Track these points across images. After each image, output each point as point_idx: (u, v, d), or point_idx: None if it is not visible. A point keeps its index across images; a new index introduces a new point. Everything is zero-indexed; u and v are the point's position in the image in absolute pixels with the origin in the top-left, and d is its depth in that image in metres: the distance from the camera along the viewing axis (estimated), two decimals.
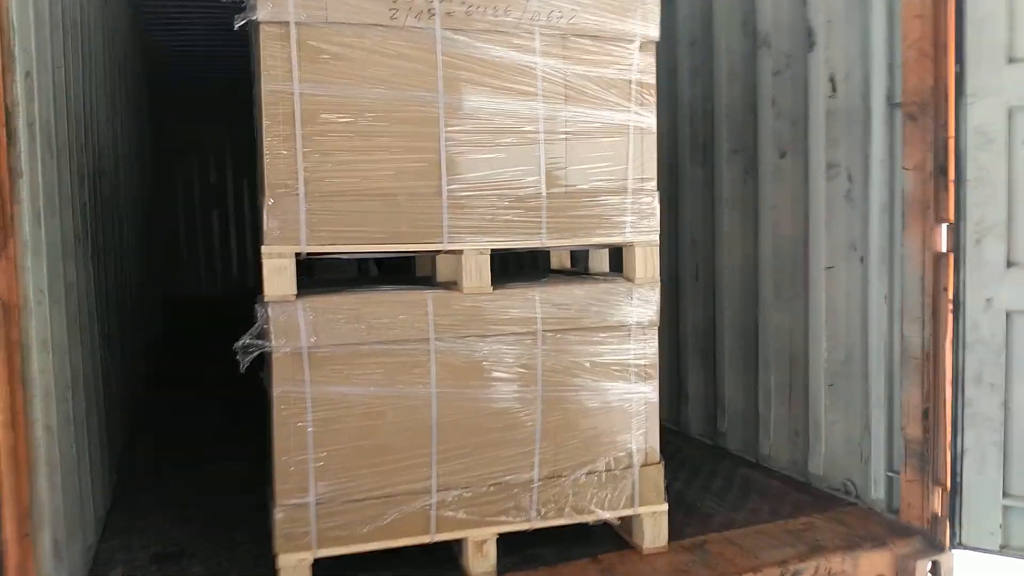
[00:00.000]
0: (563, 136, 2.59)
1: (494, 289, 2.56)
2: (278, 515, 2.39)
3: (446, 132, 2.47)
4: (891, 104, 2.99)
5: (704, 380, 4.21)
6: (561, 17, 2.54)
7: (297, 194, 2.35)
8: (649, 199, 2.69)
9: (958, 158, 2.72)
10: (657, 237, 2.72)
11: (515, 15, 2.49)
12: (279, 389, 2.40)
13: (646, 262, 2.72)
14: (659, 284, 2.73)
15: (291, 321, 2.37)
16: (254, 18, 2.30)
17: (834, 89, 3.23)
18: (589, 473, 2.67)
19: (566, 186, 2.61)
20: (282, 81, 2.33)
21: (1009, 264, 2.72)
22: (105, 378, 3.49)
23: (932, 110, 2.77)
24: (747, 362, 3.85)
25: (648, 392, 2.75)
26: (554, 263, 3.37)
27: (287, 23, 2.32)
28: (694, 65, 4.14)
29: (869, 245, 3.12)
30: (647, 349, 2.73)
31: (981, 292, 2.76)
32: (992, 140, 2.66)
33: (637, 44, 2.64)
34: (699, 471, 3.65)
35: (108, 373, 4.03)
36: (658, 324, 2.75)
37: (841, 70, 3.20)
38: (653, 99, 2.68)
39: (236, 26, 2.34)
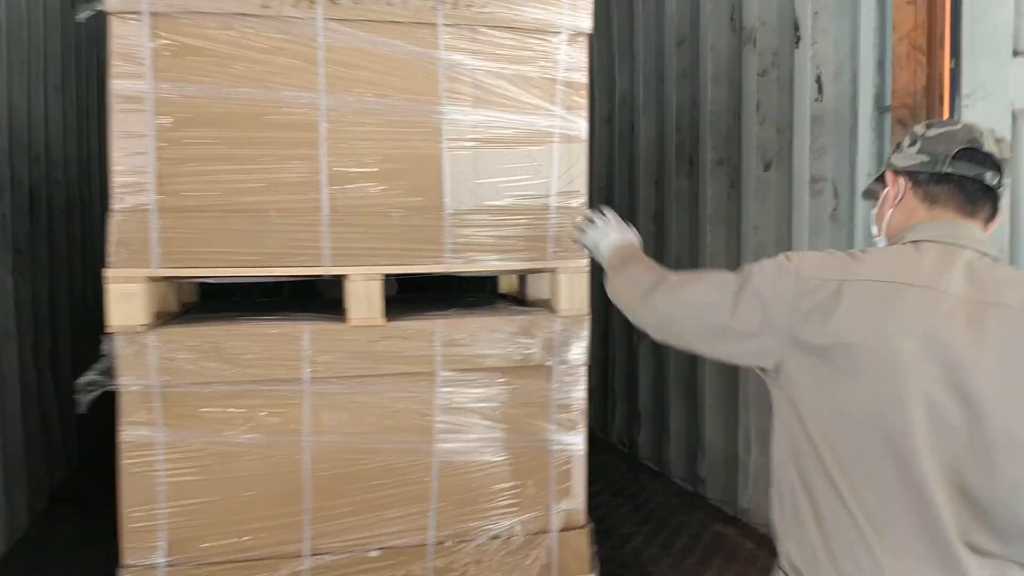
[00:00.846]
0: (472, 144, 2.21)
1: (388, 321, 2.19)
2: None
3: (328, 139, 2.12)
4: (880, 108, 2.54)
5: (686, 418, 3.78)
6: (470, 5, 2.16)
7: (148, 209, 2.03)
8: (582, 220, 2.30)
9: None
10: (587, 262, 2.32)
11: (414, 3, 2.13)
12: (126, 433, 2.07)
13: (573, 291, 2.32)
14: (588, 317, 2.33)
15: (140, 356, 2.04)
16: (102, 8, 1.99)
17: (820, 91, 2.78)
18: (496, 538, 2.28)
19: (475, 202, 2.23)
20: (133, 79, 2.02)
21: None
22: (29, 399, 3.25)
23: (924, 113, 2.32)
24: (729, 401, 3.41)
25: (572, 443, 2.34)
26: (504, 286, 3.00)
27: (139, 12, 2.00)
28: (681, 67, 3.72)
29: None
30: (573, 393, 2.33)
31: None
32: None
33: (564, 37, 2.24)
34: (667, 524, 3.23)
35: (39, 394, 3.78)
36: (586, 363, 2.35)
37: (829, 69, 2.76)
38: (584, 101, 2.28)
39: (81, 17, 2.04)
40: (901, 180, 1.47)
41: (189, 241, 2.06)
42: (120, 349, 2.03)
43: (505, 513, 2.29)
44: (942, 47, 2.27)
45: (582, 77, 2.28)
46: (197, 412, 2.10)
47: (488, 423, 2.27)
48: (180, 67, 2.04)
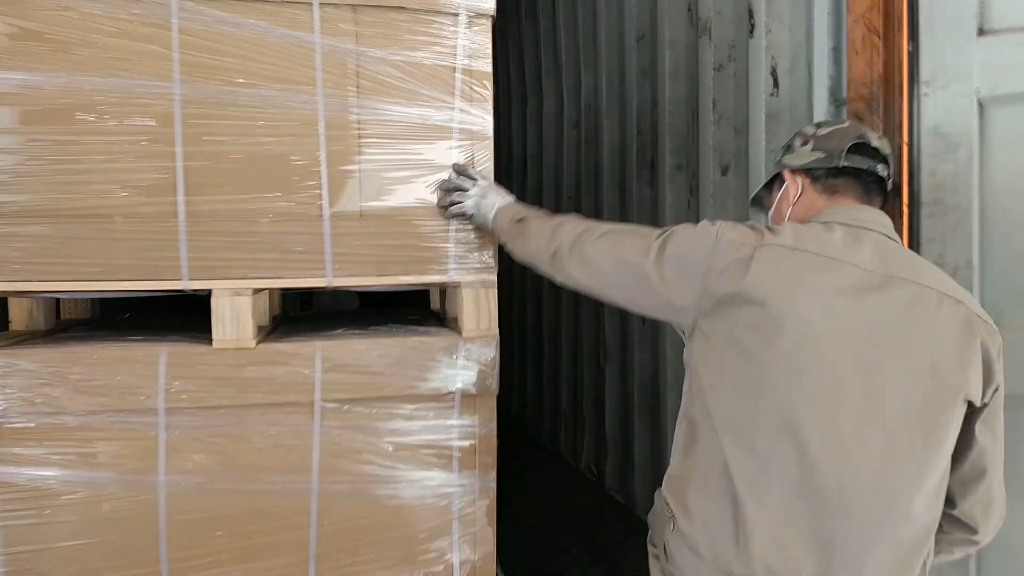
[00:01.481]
0: (355, 140, 1.94)
1: (260, 343, 1.92)
2: None
3: (184, 134, 1.85)
4: (836, 101, 2.24)
5: (651, 446, 3.46)
6: None
7: None
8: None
9: (911, 173, 1.94)
10: (494, 276, 2.03)
11: None
12: None
13: (478, 309, 2.03)
14: (497, 339, 2.04)
15: None
16: None
17: (776, 85, 2.48)
18: None
19: (361, 206, 1.95)
20: None
21: None
22: None
23: (880, 107, 2.01)
24: None
25: (478, 484, 2.04)
26: (436, 303, 2.72)
27: None
28: (641, 66, 3.43)
29: None
30: (479, 427, 2.04)
31: None
32: (956, 147, 1.88)
33: (463, 19, 1.97)
34: (619, 568, 2.90)
35: None
36: (496, 391, 2.06)
37: (785, 59, 2.46)
38: (488, 92, 2.00)
39: None
40: (799, 178, 1.56)
41: (23, 251, 1.80)
42: None
43: (398, 565, 1.99)
44: (900, 28, 1.97)
45: (485, 65, 2.00)
46: (39, 447, 1.82)
47: (378, 460, 1.97)
48: (20, 54, 1.79)
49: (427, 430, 2.00)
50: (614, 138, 3.71)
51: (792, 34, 2.42)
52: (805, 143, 1.57)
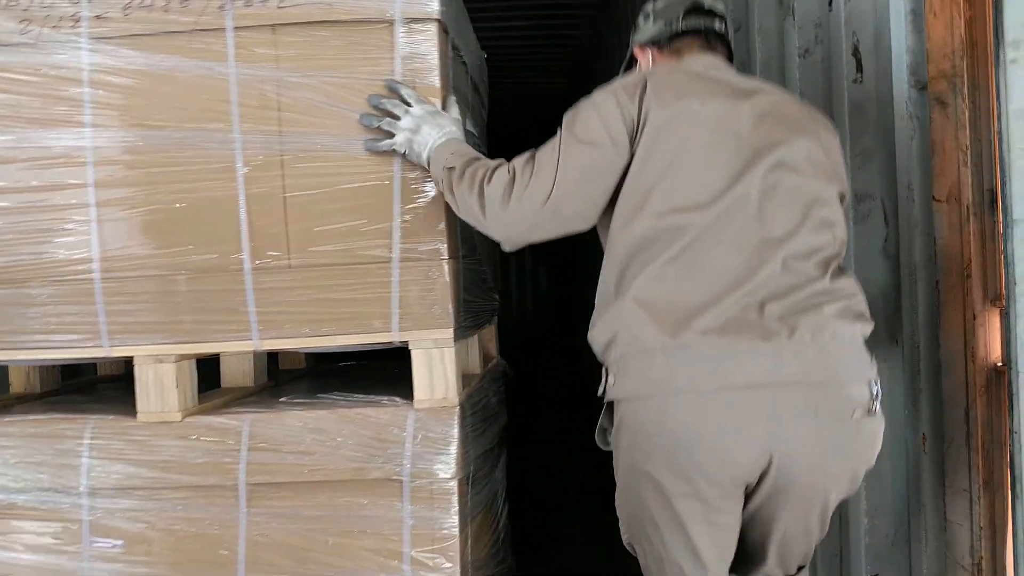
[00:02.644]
0: (279, 181, 1.67)
1: (189, 416, 1.70)
2: None
3: (96, 186, 1.68)
4: (918, 83, 1.62)
5: None
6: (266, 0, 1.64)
7: None
8: (436, 272, 1.66)
9: (1003, 173, 1.32)
10: (449, 333, 1.66)
11: (196, 6, 1.64)
12: None
13: (431, 374, 1.67)
14: (457, 411, 1.66)
15: None
16: None
17: (859, 68, 1.89)
18: None
19: (289, 256, 1.67)
20: None
21: None
22: None
23: (965, 85, 1.40)
24: None
25: None
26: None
27: None
28: (739, 59, 2.87)
29: (905, 338, 1.72)
30: (440, 520, 1.66)
31: None
32: None
33: (400, 28, 1.64)
34: None
35: None
36: (459, 476, 1.68)
37: (867, 36, 1.86)
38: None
39: None
40: (648, 50, 1.66)
41: None
42: None
43: None
44: None
45: (433, 79, 1.65)
46: None
47: (315, 558, 1.67)
48: None
49: (372, 523, 1.66)
50: None
51: (875, 3, 1.82)
52: (647, 19, 1.67)
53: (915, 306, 1.66)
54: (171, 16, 1.64)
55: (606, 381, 1.48)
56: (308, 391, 1.91)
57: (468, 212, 1.55)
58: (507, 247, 1.60)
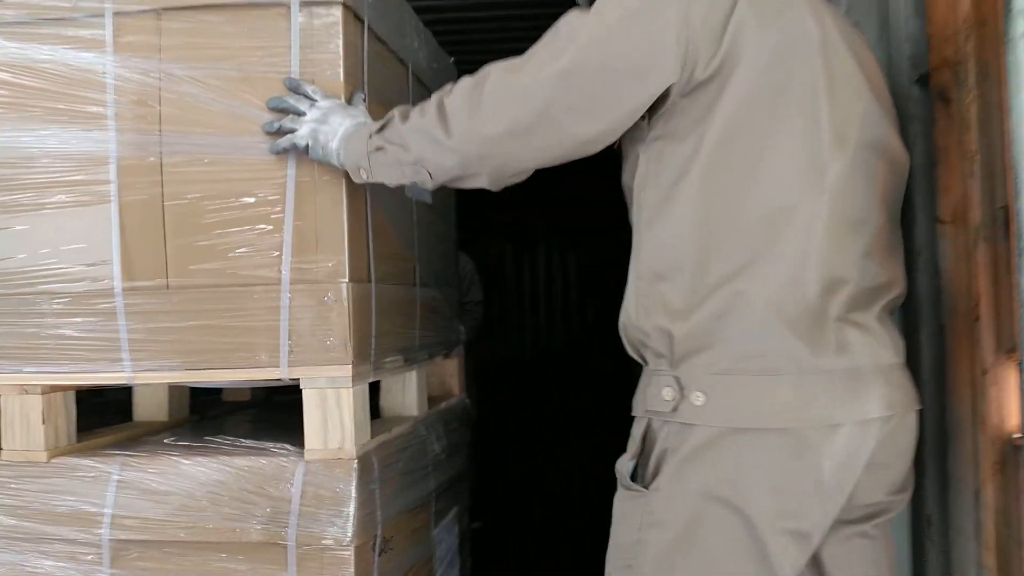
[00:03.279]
0: (157, 187, 1.44)
1: (58, 456, 1.47)
2: None
3: None
4: (920, 78, 1.30)
5: None
6: None
7: None
8: (333, 297, 1.40)
9: (1016, 184, 1.00)
10: (346, 371, 1.40)
11: None
12: None
13: (325, 419, 1.41)
14: (354, 464, 1.40)
15: None
16: None
17: None
18: None
19: (167, 276, 1.44)
20: None
21: None
22: None
23: (970, 75, 1.09)
24: None
25: None
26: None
27: None
28: None
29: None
30: None
31: None
32: None
33: (296, 12, 1.40)
34: None
35: None
36: (359, 543, 1.40)
37: (871, 26, 1.55)
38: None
39: None
40: None
41: None
42: None
43: None
44: None
45: (335, 73, 1.41)
46: None
47: None
48: None
49: None
50: None
51: None
52: None
53: (918, 355, 1.33)
54: (59, 3, 1.44)
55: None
56: (213, 430, 1.67)
57: (421, 153, 1.23)
58: (491, 182, 1.24)
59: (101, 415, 1.83)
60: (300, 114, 1.36)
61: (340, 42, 1.40)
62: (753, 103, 1.09)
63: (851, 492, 1.08)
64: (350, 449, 1.40)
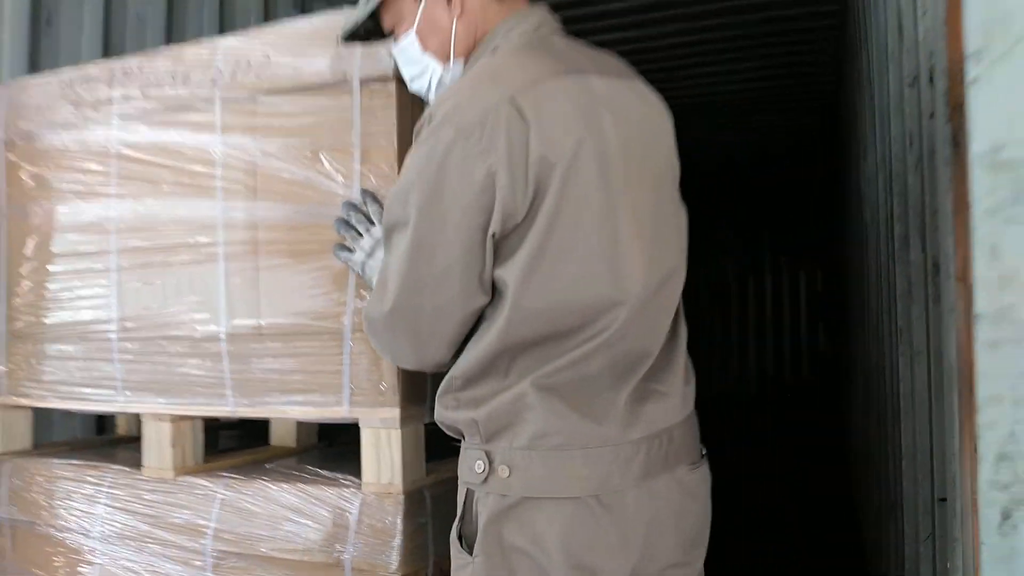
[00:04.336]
0: (249, 247, 1.67)
1: (184, 475, 1.75)
2: None
3: (119, 253, 1.82)
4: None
5: None
6: (249, 69, 1.66)
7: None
8: None
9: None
10: (397, 414, 1.53)
11: (197, 78, 1.72)
12: None
13: (378, 457, 1.55)
14: (400, 499, 1.52)
15: None
16: None
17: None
18: None
19: (257, 323, 1.66)
20: None
21: None
22: None
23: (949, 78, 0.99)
24: None
25: None
26: None
27: None
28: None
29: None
30: None
31: None
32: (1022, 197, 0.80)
33: (357, 88, 1.57)
34: None
35: None
36: (405, 571, 1.52)
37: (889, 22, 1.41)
38: (396, 174, 1.54)
39: None
40: None
41: (28, 368, 1.95)
42: None
43: None
44: None
45: (390, 142, 1.55)
46: (22, 553, 1.94)
47: None
48: (24, 191, 1.97)
49: None
50: None
51: None
52: None
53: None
54: (177, 90, 1.74)
55: None
56: (319, 459, 1.88)
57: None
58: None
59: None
60: (359, 234, 1.47)
61: (395, 114, 1.55)
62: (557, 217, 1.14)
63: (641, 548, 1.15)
64: (398, 484, 1.53)
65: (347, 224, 1.49)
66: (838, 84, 4.87)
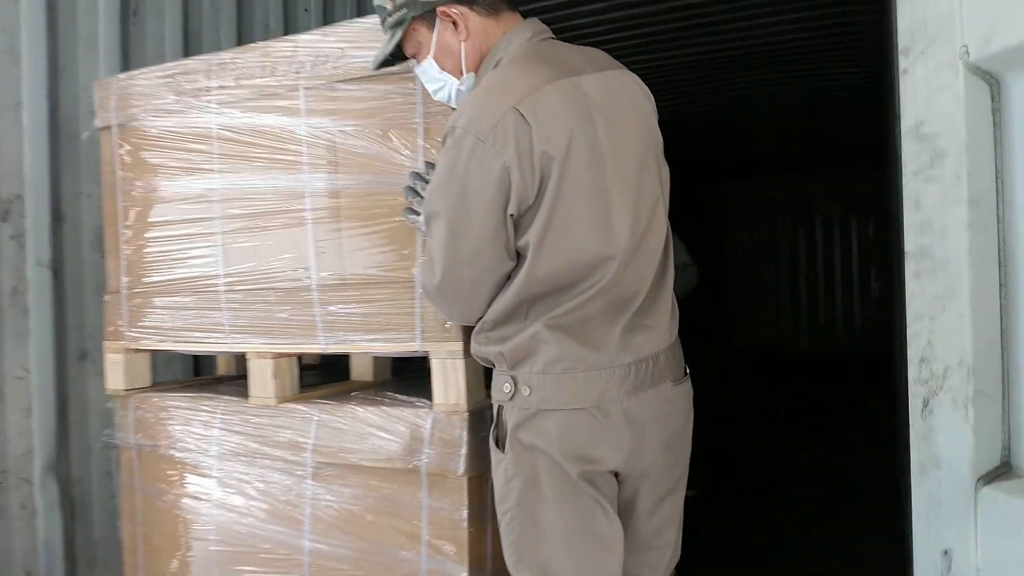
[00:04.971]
0: (332, 212, 1.99)
1: (283, 402, 2.11)
2: None
3: (222, 219, 2.16)
4: None
5: None
6: (327, 61, 1.97)
7: (120, 291, 2.37)
8: None
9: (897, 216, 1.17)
10: (459, 345, 1.85)
11: (282, 69, 2.04)
12: (124, 481, 2.43)
13: (446, 381, 1.87)
14: (465, 415, 1.85)
15: (126, 417, 2.37)
16: (95, 126, 2.41)
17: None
18: None
19: (341, 275, 1.99)
20: (109, 178, 2.38)
21: None
22: None
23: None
24: None
25: (448, 571, 1.87)
26: None
27: (110, 127, 2.35)
28: None
29: None
30: (451, 511, 1.87)
31: None
32: (941, 154, 1.06)
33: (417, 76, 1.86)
34: None
35: None
36: (470, 475, 1.86)
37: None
38: None
39: (84, 136, 2.51)
40: (457, 9, 1.55)
41: (151, 317, 2.31)
42: (117, 410, 2.39)
43: None
44: None
45: (446, 120, 1.84)
46: (163, 473, 2.32)
47: (354, 530, 1.98)
48: (135, 167, 2.31)
49: (397, 508, 1.93)
50: None
51: None
52: None
53: None
54: (266, 80, 2.05)
55: None
56: (394, 388, 2.22)
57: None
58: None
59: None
60: (423, 199, 1.72)
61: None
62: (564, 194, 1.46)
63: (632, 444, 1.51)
64: (464, 404, 1.85)
65: (413, 191, 1.79)
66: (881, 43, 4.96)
